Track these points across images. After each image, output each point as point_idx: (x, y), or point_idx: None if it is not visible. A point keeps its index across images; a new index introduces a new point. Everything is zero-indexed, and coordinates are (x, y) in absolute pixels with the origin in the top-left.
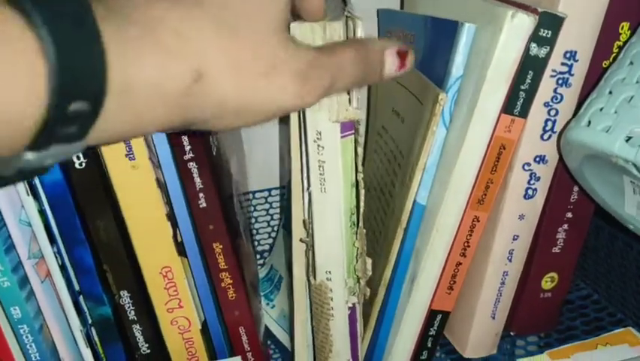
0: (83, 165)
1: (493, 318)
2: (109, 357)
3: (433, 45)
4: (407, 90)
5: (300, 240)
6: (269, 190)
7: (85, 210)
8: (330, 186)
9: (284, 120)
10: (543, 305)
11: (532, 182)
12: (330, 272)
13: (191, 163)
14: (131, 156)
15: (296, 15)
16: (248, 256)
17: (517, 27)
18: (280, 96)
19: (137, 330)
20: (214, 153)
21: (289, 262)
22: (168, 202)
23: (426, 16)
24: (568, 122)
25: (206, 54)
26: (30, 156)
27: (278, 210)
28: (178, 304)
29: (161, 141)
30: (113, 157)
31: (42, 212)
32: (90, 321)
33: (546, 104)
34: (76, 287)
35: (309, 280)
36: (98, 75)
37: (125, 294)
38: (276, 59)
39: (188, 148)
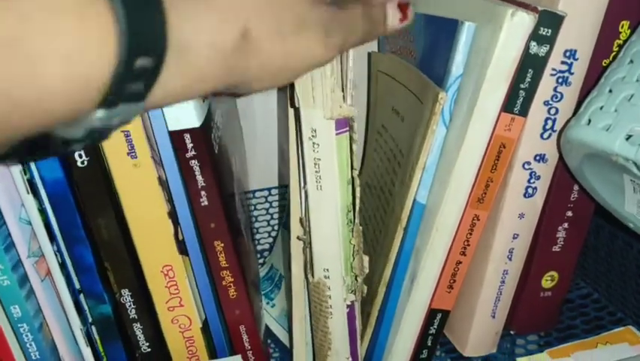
0: (85, 163)
1: (493, 317)
2: (109, 356)
3: (432, 44)
4: (407, 89)
5: (298, 237)
6: (269, 189)
7: (86, 209)
8: (325, 183)
9: (283, 120)
10: (543, 304)
11: (532, 181)
12: (327, 270)
13: (193, 161)
14: (133, 154)
15: None
16: (249, 255)
17: (517, 25)
18: (310, 52)
19: (137, 329)
20: (216, 151)
21: (289, 261)
22: (170, 200)
23: (426, 14)
24: (568, 121)
25: (249, 14)
26: (100, 113)
27: (278, 210)
28: (179, 303)
29: (163, 139)
30: (115, 155)
31: (42, 210)
32: (90, 320)
33: (546, 103)
34: (77, 285)
35: (307, 278)
36: (160, 33)
37: (125, 292)
38: (305, 15)
39: (190, 146)
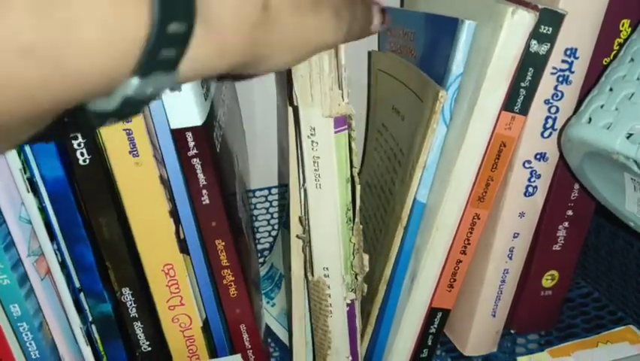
0: (87, 161)
1: (494, 316)
2: (109, 355)
3: (433, 42)
4: (407, 88)
5: (297, 236)
6: (269, 189)
7: (87, 207)
8: (325, 181)
9: (283, 119)
10: (543, 303)
11: (532, 179)
12: (327, 268)
13: (194, 159)
14: (135, 152)
15: None
16: (250, 254)
17: (518, 24)
18: (323, 31)
19: (138, 327)
20: (218, 150)
21: (289, 260)
22: (171, 199)
23: (426, 13)
24: (568, 120)
25: None
26: (135, 81)
27: (278, 209)
28: (179, 302)
29: (165, 137)
30: (116, 154)
31: (42, 209)
32: (90, 318)
33: (546, 102)
34: (77, 284)
35: (306, 276)
36: (190, 0)
37: (126, 291)
38: None
39: (192, 144)
